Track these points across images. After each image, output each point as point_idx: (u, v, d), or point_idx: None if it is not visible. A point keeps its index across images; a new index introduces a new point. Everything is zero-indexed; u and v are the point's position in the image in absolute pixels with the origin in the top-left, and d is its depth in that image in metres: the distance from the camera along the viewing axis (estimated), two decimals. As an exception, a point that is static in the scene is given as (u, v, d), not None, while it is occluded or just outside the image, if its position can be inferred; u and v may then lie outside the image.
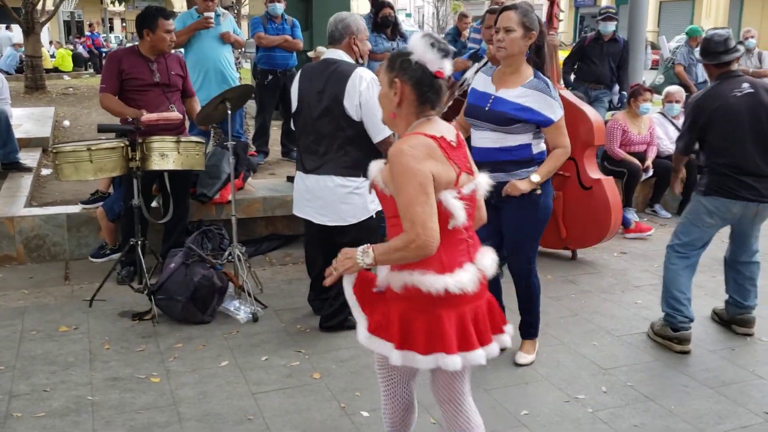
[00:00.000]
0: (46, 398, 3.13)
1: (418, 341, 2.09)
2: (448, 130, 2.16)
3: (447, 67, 2.11)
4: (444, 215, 2.07)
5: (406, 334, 2.11)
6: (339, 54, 3.67)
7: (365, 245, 2.12)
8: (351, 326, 3.91)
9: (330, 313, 3.88)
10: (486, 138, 3.30)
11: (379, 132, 3.56)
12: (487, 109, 3.26)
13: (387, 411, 2.41)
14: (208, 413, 3.05)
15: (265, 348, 3.69)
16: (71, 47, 22.74)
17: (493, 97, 3.27)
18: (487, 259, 2.22)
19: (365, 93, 3.50)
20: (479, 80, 3.40)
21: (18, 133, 6.89)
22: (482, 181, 2.25)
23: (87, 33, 25.09)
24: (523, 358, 3.56)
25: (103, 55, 22.57)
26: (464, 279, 2.09)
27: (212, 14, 5.87)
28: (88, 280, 4.56)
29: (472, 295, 2.12)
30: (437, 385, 2.31)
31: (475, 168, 2.26)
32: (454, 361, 2.08)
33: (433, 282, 2.07)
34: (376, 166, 2.18)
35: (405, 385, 2.35)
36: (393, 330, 2.12)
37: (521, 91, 3.24)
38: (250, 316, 4.01)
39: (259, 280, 4.51)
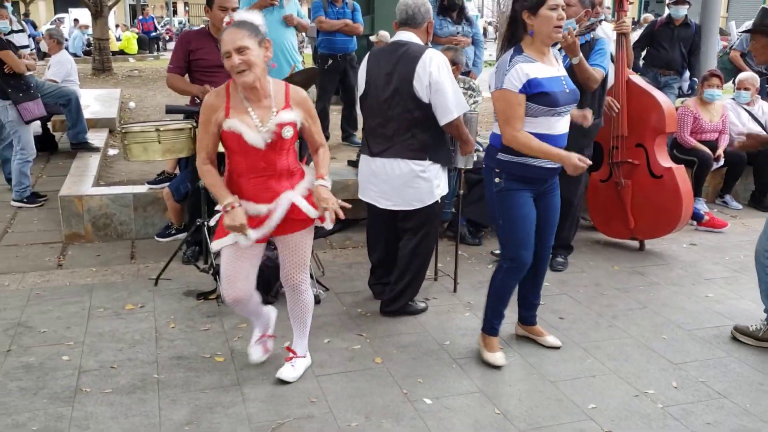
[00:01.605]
0: (114, 375, 3.20)
1: None
2: None
3: None
4: None
5: None
6: (410, 36, 3.61)
7: None
8: (412, 311, 3.88)
9: (391, 297, 3.85)
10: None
11: (446, 114, 3.50)
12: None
13: None
14: (272, 394, 3.06)
15: (327, 330, 3.69)
16: (136, 30, 23.20)
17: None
18: None
19: (435, 74, 3.44)
20: (533, 69, 3.02)
21: (86, 114, 7.07)
22: None
23: (140, 17, 25.52)
24: (553, 339, 3.56)
25: (153, 38, 22.97)
26: None
27: (277, -6, 5.84)
28: (153, 259, 4.65)
29: None
30: None
31: None
32: None
33: None
34: None
35: None
36: None
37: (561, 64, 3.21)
38: (313, 298, 4.01)
39: (321, 263, 4.51)
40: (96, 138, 6.92)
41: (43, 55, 8.92)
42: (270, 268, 3.92)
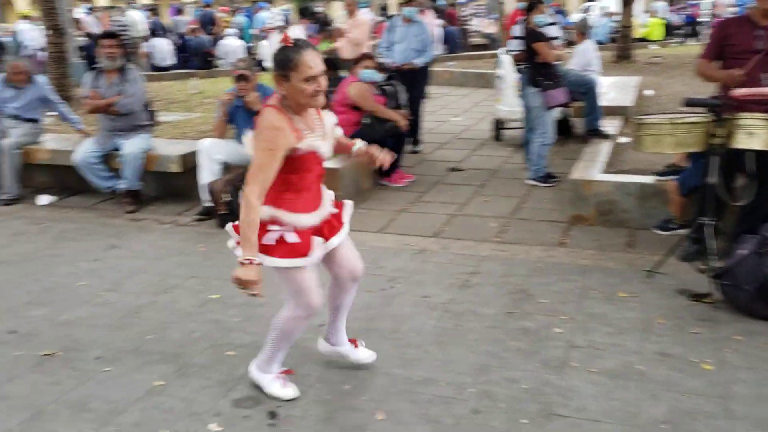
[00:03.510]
0: (599, 356, 3.33)
1: None
2: None
3: None
4: None
5: None
6: None
7: None
8: None
9: None
10: None
11: None
12: None
13: None
14: (764, 418, 2.80)
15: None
16: (665, 17, 22.82)
17: None
18: None
19: None
20: None
21: (602, 101, 7.33)
22: None
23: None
24: None
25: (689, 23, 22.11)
26: None
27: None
28: (649, 250, 4.63)
29: None
30: None
31: None
32: None
33: None
34: None
35: None
36: None
37: None
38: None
39: None
40: (610, 125, 7.13)
41: (568, 44, 9.55)
42: None
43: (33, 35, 14.80)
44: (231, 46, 15.63)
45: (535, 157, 6.36)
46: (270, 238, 2.74)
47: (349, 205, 3.06)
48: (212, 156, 5.60)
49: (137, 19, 15.82)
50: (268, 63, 15.50)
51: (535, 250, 4.79)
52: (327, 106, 2.99)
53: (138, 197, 6.11)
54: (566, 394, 3.02)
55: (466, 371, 3.23)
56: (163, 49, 15.47)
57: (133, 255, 4.93)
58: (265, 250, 2.71)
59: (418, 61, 7.47)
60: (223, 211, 5.31)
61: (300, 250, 2.76)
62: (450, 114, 10.35)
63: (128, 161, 5.91)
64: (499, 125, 8.33)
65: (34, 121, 6.61)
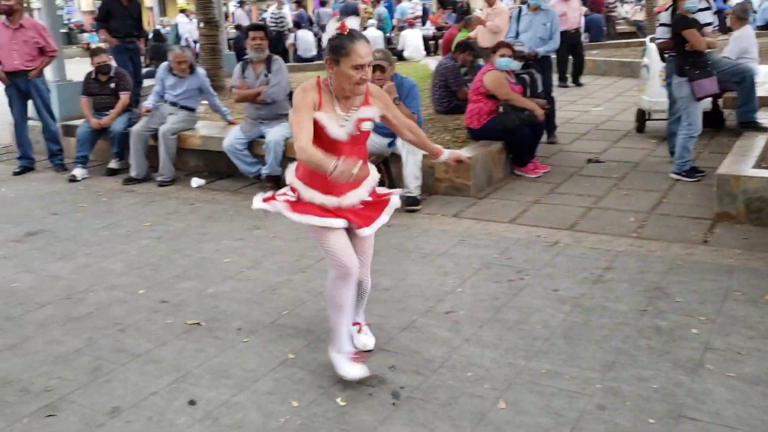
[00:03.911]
0: (738, 361, 3.15)
1: None
2: None
3: None
4: None
5: None
6: None
7: None
8: None
9: None
10: None
11: None
12: None
13: None
14: None
15: None
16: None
17: None
18: None
19: None
20: None
21: (760, 92, 6.83)
22: None
23: None
24: None
25: None
26: None
27: None
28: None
29: None
30: None
31: None
32: None
33: None
34: None
35: None
36: None
37: None
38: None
39: None
40: (766, 117, 6.64)
41: (727, 30, 8.94)
42: None
43: (189, 28, 15.84)
44: (371, 36, 15.93)
45: (680, 149, 6.04)
46: (285, 197, 3.06)
47: (392, 205, 3.16)
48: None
49: (285, 12, 16.52)
50: (408, 53, 15.70)
51: (674, 247, 4.57)
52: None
53: (278, 182, 6.42)
54: (699, 397, 2.89)
55: (593, 367, 3.17)
56: (308, 40, 16.04)
57: (273, 236, 5.20)
58: (291, 206, 3.02)
59: (541, 50, 7.33)
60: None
61: (312, 212, 2.98)
62: (591, 104, 10.03)
63: (271, 148, 6.22)
64: (642, 116, 7.98)
65: (190, 109, 7.11)
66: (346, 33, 2.81)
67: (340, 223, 2.99)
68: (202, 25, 10.53)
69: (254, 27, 6.59)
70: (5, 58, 7.34)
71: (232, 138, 6.45)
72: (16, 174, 7.65)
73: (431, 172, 5.99)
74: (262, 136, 6.39)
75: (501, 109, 6.27)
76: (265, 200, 3.12)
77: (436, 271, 4.38)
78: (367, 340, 3.42)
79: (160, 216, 5.84)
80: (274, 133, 6.26)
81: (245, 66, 6.43)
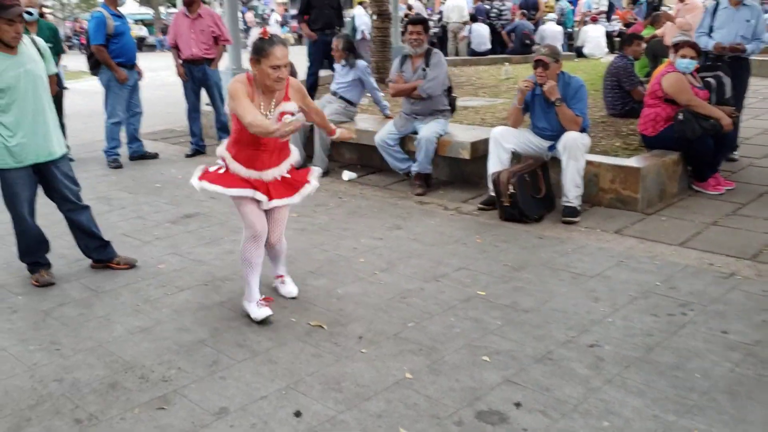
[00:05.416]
0: None
1: None
2: None
3: None
4: None
5: None
6: None
7: None
8: None
9: None
10: None
11: None
12: None
13: None
14: None
15: None
16: None
17: None
18: None
19: None
20: None
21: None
22: None
23: None
24: None
25: None
26: None
27: None
28: None
29: None
30: None
31: None
32: None
33: None
34: None
35: None
36: None
37: None
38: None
39: None
40: None
41: None
42: None
43: (366, 21, 16.01)
44: (550, 30, 15.23)
45: None
46: (214, 167, 3.63)
47: (309, 187, 3.73)
48: (502, 144, 5.41)
49: (462, 5, 16.19)
50: (588, 50, 14.85)
51: None
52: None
53: (428, 181, 6.18)
54: None
55: (762, 434, 2.61)
56: (482, 34, 15.63)
57: (413, 238, 4.97)
58: (208, 178, 3.57)
59: (750, 47, 6.38)
60: (507, 203, 5.09)
61: (232, 184, 3.53)
62: (793, 114, 8.84)
63: (422, 145, 5.98)
64: None
65: (349, 101, 7.05)
66: (267, 38, 3.33)
67: (255, 194, 3.54)
68: (375, 17, 10.52)
69: (413, 21, 6.37)
70: (184, 47, 7.70)
71: (385, 133, 6.29)
72: (187, 156, 8.03)
73: (595, 181, 5.46)
74: (415, 132, 6.17)
75: (681, 116, 5.58)
76: (200, 178, 3.59)
77: (586, 296, 3.92)
78: (291, 288, 4.03)
79: (307, 207, 5.80)
80: (427, 130, 6.01)
81: (404, 59, 6.23)
